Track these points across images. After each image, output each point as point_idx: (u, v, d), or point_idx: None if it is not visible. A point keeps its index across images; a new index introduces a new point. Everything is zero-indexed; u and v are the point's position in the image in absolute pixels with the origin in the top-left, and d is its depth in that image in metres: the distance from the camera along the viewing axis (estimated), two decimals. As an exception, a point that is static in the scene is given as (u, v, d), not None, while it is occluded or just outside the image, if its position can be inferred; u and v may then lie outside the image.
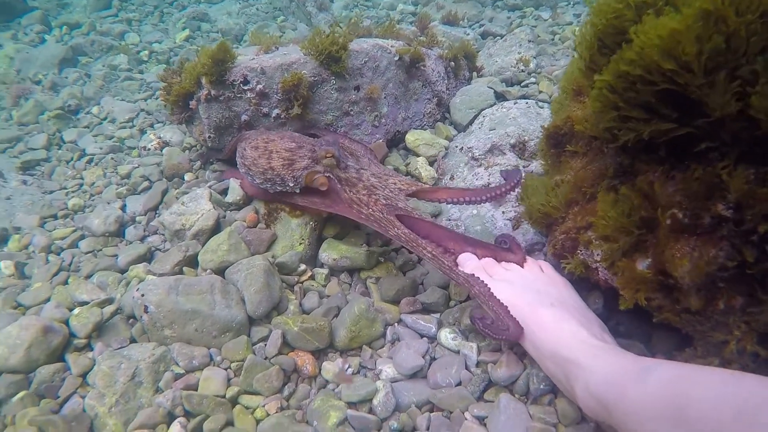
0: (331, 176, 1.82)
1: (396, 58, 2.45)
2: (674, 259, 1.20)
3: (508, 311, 1.33)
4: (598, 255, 1.40)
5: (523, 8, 4.76)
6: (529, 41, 3.15)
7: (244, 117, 2.22)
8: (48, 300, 1.82)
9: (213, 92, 2.14)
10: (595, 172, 1.45)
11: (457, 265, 1.55)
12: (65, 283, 1.95)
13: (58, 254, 2.17)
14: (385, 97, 2.44)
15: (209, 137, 2.26)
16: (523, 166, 2.29)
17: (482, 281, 1.41)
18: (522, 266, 1.56)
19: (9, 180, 2.77)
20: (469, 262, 1.59)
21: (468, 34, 3.82)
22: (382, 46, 2.42)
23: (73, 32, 5.38)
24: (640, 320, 1.52)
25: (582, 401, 1.11)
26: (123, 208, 2.41)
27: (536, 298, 1.35)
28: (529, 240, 2.00)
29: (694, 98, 1.05)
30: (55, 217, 2.46)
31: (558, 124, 1.61)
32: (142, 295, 1.56)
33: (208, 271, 1.76)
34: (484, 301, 1.39)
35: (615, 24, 1.26)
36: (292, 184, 1.86)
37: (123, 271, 1.96)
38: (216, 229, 1.94)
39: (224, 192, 2.15)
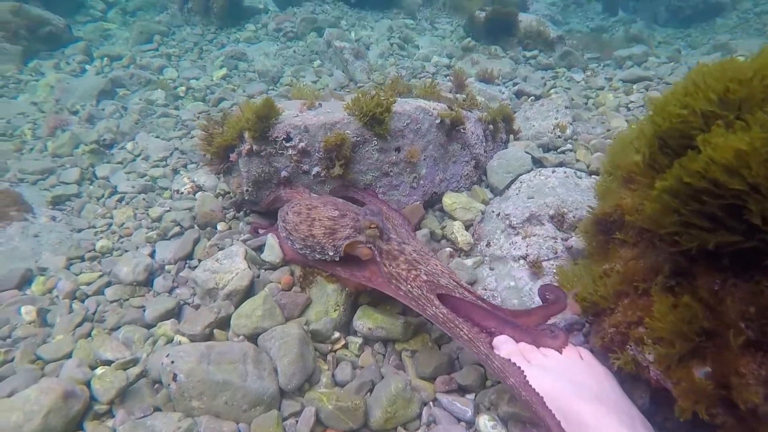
0: (373, 247, 1.78)
1: (437, 121, 2.44)
2: (739, 375, 1.15)
3: (558, 423, 1.22)
4: (650, 354, 1.34)
5: (555, 68, 4.80)
6: (566, 107, 3.14)
7: (284, 173, 2.21)
8: (70, 355, 1.77)
9: (255, 147, 2.13)
10: (647, 266, 1.40)
11: (492, 348, 1.47)
12: (89, 335, 1.89)
13: (83, 302, 2.12)
14: (424, 159, 2.42)
15: (247, 190, 2.24)
16: (562, 238, 2.23)
17: (518, 369, 1.32)
18: (561, 352, 1.48)
19: (38, 215, 2.76)
20: (504, 346, 1.48)
21: (503, 93, 3.84)
22: (424, 108, 2.41)
23: (113, 64, 5.51)
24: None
25: None
26: (152, 254, 2.38)
27: (574, 389, 1.28)
28: (569, 319, 1.91)
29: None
30: (82, 258, 2.42)
31: (608, 211, 1.56)
32: (172, 362, 1.50)
33: (241, 337, 1.70)
34: (518, 393, 1.30)
35: (680, 128, 1.23)
36: (331, 253, 1.82)
37: (150, 326, 1.91)
38: (250, 289, 1.89)
39: (259, 249, 2.11)
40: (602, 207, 1.58)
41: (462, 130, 2.55)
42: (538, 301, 1.99)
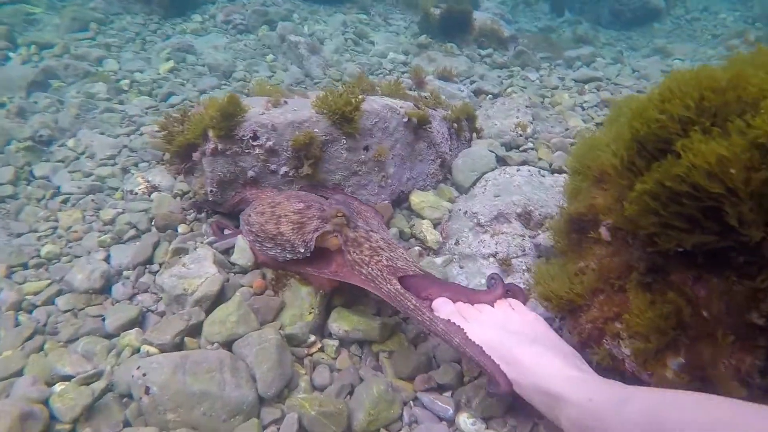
0: (340, 236, 1.76)
1: (405, 120, 2.43)
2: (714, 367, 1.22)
3: (497, 366, 1.33)
4: (626, 348, 1.42)
5: (510, 67, 4.91)
6: (527, 106, 3.22)
7: (250, 173, 2.13)
8: (21, 372, 1.63)
9: (220, 146, 2.05)
10: (622, 264, 1.46)
11: (432, 311, 1.55)
12: (41, 349, 1.75)
13: (31, 312, 1.95)
14: (392, 158, 2.41)
15: (211, 191, 2.15)
16: (530, 236, 2.28)
17: (458, 328, 1.42)
18: (493, 306, 1.58)
19: (-28, 219, 2.54)
20: (443, 308, 1.58)
21: (462, 91, 3.88)
22: (392, 107, 2.39)
23: (43, 53, 5.12)
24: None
25: (566, 430, 1.18)
26: (107, 259, 2.23)
27: (513, 337, 1.39)
28: (540, 314, 1.97)
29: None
30: (25, 266, 2.23)
31: (582, 211, 1.61)
32: (144, 374, 1.42)
33: (215, 344, 1.63)
34: (463, 351, 1.40)
35: (658, 133, 1.27)
36: (302, 250, 1.78)
37: (111, 337, 1.79)
38: (220, 294, 1.81)
39: (227, 252, 2.03)
40: (576, 206, 1.63)
41: (428, 129, 2.55)
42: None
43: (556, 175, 2.57)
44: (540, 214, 2.32)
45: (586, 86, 4.19)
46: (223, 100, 2.00)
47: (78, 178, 3.03)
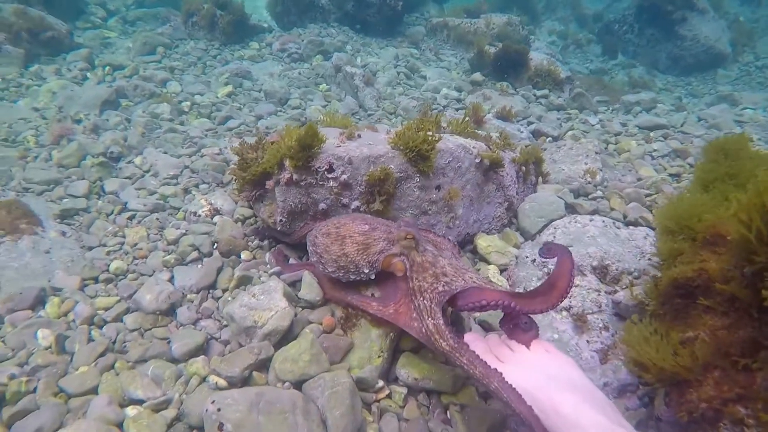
0: (406, 261, 1.69)
1: (477, 161, 2.38)
2: None
3: (536, 417, 1.23)
4: None
5: (567, 109, 4.84)
6: (596, 153, 3.13)
7: (322, 205, 2.11)
8: (95, 390, 1.62)
9: (295, 176, 2.04)
10: (745, 338, 1.33)
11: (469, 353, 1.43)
12: (112, 367, 1.74)
13: (101, 328, 1.96)
14: (462, 199, 2.35)
15: (281, 220, 2.13)
16: (606, 291, 2.17)
17: (498, 373, 1.32)
18: (528, 347, 1.46)
19: (47, 229, 2.59)
20: (475, 345, 1.47)
21: (521, 132, 3.83)
22: (465, 146, 2.35)
23: (115, 73, 5.35)
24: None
25: None
26: (171, 280, 2.24)
27: (551, 384, 1.30)
28: (622, 379, 1.85)
29: None
30: (96, 280, 2.26)
31: (690, 275, 1.49)
32: (219, 410, 1.37)
33: (287, 384, 1.58)
34: (500, 395, 1.31)
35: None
36: (367, 270, 1.74)
37: (177, 362, 1.77)
38: (290, 329, 1.77)
39: (294, 285, 2.00)
40: (682, 270, 1.51)
41: (499, 172, 2.49)
42: (586, 357, 1.93)
43: (631, 228, 2.46)
44: (617, 269, 2.21)
45: (652, 134, 4.06)
46: (301, 130, 1.99)
47: (143, 195, 3.09)
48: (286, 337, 1.75)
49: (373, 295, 1.84)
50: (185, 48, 6.36)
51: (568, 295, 1.48)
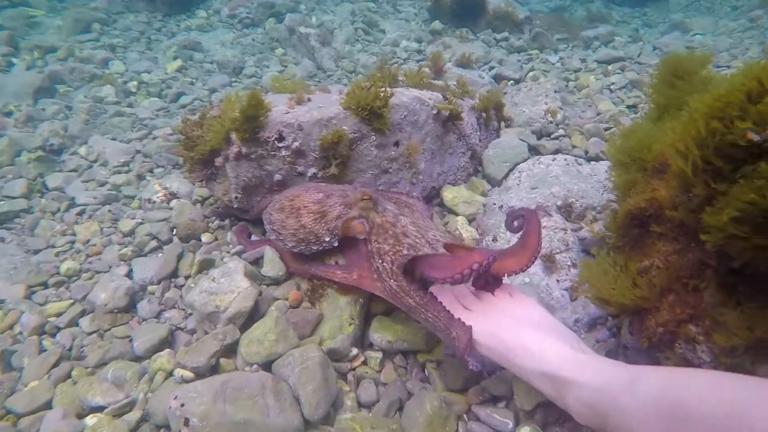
0: (365, 222, 1.63)
1: (434, 112, 2.29)
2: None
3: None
4: (703, 351, 1.29)
5: (528, 50, 4.73)
6: (555, 91, 3.06)
7: (277, 176, 2.01)
8: (50, 404, 1.53)
9: (244, 150, 1.92)
10: (694, 261, 1.32)
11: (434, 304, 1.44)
12: (69, 376, 1.64)
13: (54, 336, 1.85)
14: (422, 153, 2.27)
15: (236, 197, 2.03)
16: (572, 229, 2.14)
17: (464, 325, 1.36)
18: (493, 294, 1.52)
19: (-16, 237, 2.43)
20: (441, 295, 1.50)
21: (483, 78, 3.73)
22: (420, 99, 2.25)
23: (47, 57, 4.99)
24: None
25: (575, 412, 1.16)
26: (129, 273, 2.13)
27: (515, 324, 1.37)
28: (591, 314, 1.85)
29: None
30: (45, 285, 2.12)
31: (643, 205, 1.47)
32: (182, 405, 1.31)
33: (255, 366, 1.52)
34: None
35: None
36: (328, 239, 1.67)
37: (141, 359, 1.68)
38: (255, 309, 1.69)
39: (256, 263, 1.91)
40: (636, 200, 1.49)
41: (458, 122, 2.41)
42: (557, 296, 1.92)
43: (593, 163, 2.43)
44: (581, 206, 2.19)
45: (610, 67, 4.01)
46: (245, 99, 1.87)
47: (92, 187, 2.92)
48: (252, 317, 1.67)
49: (337, 263, 1.77)
50: (125, 22, 5.96)
51: (539, 254, 1.47)
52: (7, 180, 2.96)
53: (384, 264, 1.52)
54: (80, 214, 2.68)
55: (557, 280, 1.98)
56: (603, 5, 7.12)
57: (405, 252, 1.50)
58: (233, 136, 1.91)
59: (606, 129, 2.83)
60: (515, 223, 1.54)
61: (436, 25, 5.25)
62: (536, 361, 1.26)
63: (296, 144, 1.95)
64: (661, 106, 1.90)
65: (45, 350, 1.77)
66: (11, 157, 3.16)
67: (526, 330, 1.34)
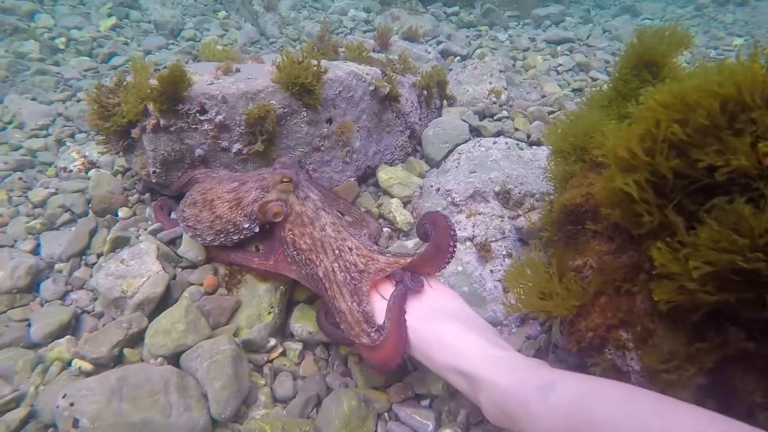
0: (285, 205, 1.55)
1: (371, 88, 2.20)
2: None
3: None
4: (632, 359, 1.25)
5: (478, 26, 4.66)
6: (500, 71, 3.01)
7: (198, 151, 1.88)
8: None
9: (163, 122, 1.78)
10: (628, 263, 1.29)
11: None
12: (-49, 363, 1.51)
13: (-59, 317, 1.70)
14: (357, 130, 2.18)
15: (154, 172, 1.89)
16: (509, 217, 2.12)
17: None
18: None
19: None
20: None
21: (429, 53, 3.64)
22: (357, 73, 2.15)
23: (-38, 4, 4.56)
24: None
25: (487, 411, 1.13)
26: (36, 249, 1.97)
27: (431, 314, 1.34)
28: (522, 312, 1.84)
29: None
30: (-64, 259, 1.96)
31: (578, 201, 1.43)
32: (71, 404, 1.20)
33: (160, 359, 1.42)
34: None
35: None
36: (247, 225, 1.58)
37: (38, 347, 1.55)
38: (166, 295, 1.59)
39: (173, 242, 1.80)
40: (571, 195, 1.45)
41: (397, 98, 2.33)
42: (489, 287, 1.89)
43: (534, 147, 2.41)
44: (520, 192, 2.16)
45: (559, 48, 4.00)
46: (165, 72, 1.71)
47: (5, 151, 2.69)
48: (162, 304, 1.57)
49: (257, 248, 1.68)
50: (55, -27, 5.51)
51: (454, 253, 1.44)
52: None
53: (299, 256, 1.45)
54: (-12, 181, 2.46)
55: (491, 271, 1.95)
56: (559, -17, 7.12)
57: (319, 275, 1.44)
58: (150, 106, 1.77)
59: (550, 113, 2.81)
60: (423, 231, 1.51)
61: (387, -7, 5.11)
62: (451, 356, 1.22)
63: (220, 117, 1.83)
64: (618, 93, 1.77)
65: (-72, 334, 1.61)
66: None
67: (443, 322, 1.30)
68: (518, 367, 1.14)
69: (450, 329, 1.28)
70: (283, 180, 1.54)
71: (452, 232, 1.42)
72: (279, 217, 1.53)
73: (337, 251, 1.47)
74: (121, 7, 4.77)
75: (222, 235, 1.61)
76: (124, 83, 1.93)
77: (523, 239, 2.05)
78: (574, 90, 3.19)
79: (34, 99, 3.23)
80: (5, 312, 1.68)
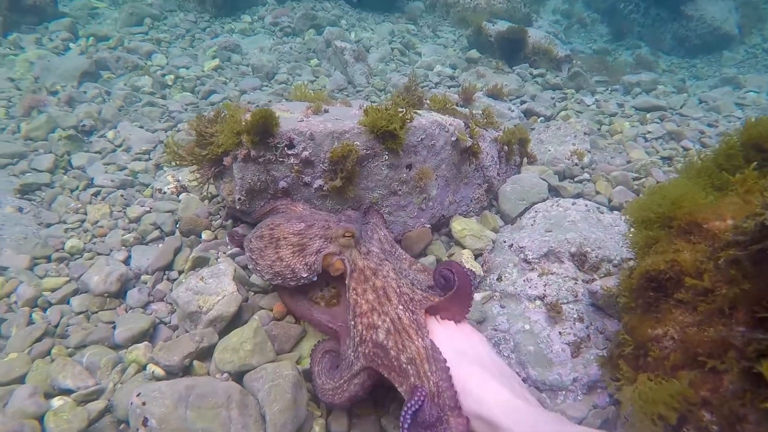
0: (347, 261, 1.56)
1: (453, 139, 2.24)
2: None
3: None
4: None
5: (564, 89, 4.66)
6: (585, 133, 2.97)
7: (282, 183, 1.98)
8: (23, 378, 1.52)
9: (253, 152, 1.90)
10: (716, 338, 1.20)
11: None
12: (48, 353, 1.64)
13: (45, 310, 1.86)
14: (436, 179, 2.22)
15: (239, 199, 2.01)
16: (583, 280, 2.04)
17: None
18: (439, 322, 1.47)
19: (3, 204, 2.47)
20: None
21: (512, 111, 3.67)
22: (441, 123, 2.21)
23: (99, 45, 5.18)
24: None
25: None
26: (127, 260, 2.13)
27: (456, 358, 1.31)
28: (592, 375, 1.74)
29: None
30: (48, 259, 2.16)
31: (662, 268, 1.36)
32: (144, 403, 1.27)
33: (225, 374, 1.47)
34: None
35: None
36: (305, 275, 1.59)
37: (119, 348, 1.66)
38: (237, 315, 1.65)
39: (248, 267, 1.88)
40: (655, 261, 1.38)
41: (478, 151, 2.35)
42: (557, 349, 1.82)
43: (616, 212, 2.32)
44: (597, 256, 2.08)
45: (648, 115, 3.89)
46: (258, 109, 1.84)
47: (112, 171, 2.97)
48: (233, 323, 1.64)
49: (323, 293, 1.70)
50: (174, 20, 6.16)
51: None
52: (38, 153, 3.06)
53: (357, 328, 1.46)
54: (95, 194, 2.72)
55: (560, 332, 1.87)
56: (650, 52, 7.01)
57: (379, 338, 1.41)
58: (243, 137, 1.90)
59: (635, 178, 2.71)
60: (441, 278, 1.54)
61: (473, 53, 5.24)
62: (473, 402, 1.22)
63: (306, 153, 1.93)
64: (717, 165, 1.71)
65: (33, 323, 1.78)
66: (46, 132, 3.26)
67: (467, 367, 1.29)
68: (539, 422, 1.14)
69: (473, 374, 1.27)
70: (346, 235, 1.57)
71: (471, 281, 1.45)
72: (338, 272, 1.57)
73: (398, 290, 1.49)
74: (224, 50, 5.22)
75: (279, 278, 1.63)
76: (222, 115, 2.10)
77: (597, 305, 1.95)
78: (663, 158, 3.07)
79: (141, 126, 3.56)
80: (96, 312, 1.83)
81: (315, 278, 1.60)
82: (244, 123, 1.88)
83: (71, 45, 5.09)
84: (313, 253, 1.60)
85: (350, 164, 1.94)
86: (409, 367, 1.29)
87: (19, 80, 4.15)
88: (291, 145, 1.93)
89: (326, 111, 2.14)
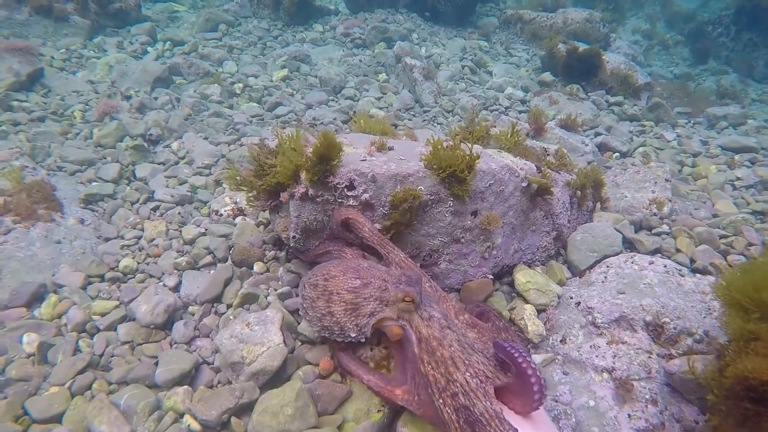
0: (409, 327, 1.45)
1: (524, 184, 2.08)
2: None
3: None
4: None
5: (642, 120, 4.34)
6: (666, 180, 2.71)
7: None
8: (60, 418, 1.50)
9: (311, 191, 1.82)
10: None
11: None
12: (89, 388, 1.62)
13: (92, 337, 1.86)
14: (502, 226, 2.06)
15: (293, 237, 1.94)
16: (659, 354, 1.83)
17: None
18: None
19: (67, 216, 2.51)
20: None
21: (586, 145, 3.43)
22: (511, 168, 2.05)
23: (175, 49, 5.32)
24: None
25: None
26: (178, 285, 2.11)
27: None
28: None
29: None
30: (102, 278, 2.17)
31: (766, 378, 1.16)
32: (176, 470, 1.20)
33: (263, 440, 1.39)
34: None
35: None
36: (353, 335, 1.50)
37: (159, 389, 1.62)
38: (281, 369, 1.57)
39: (298, 312, 1.80)
40: (757, 366, 1.18)
41: (548, 198, 2.18)
42: (627, 437, 1.63)
43: (698, 276, 2.08)
44: (675, 328, 1.86)
45: (737, 157, 3.52)
46: (318, 142, 1.76)
47: (173, 184, 2.99)
48: (277, 377, 1.56)
49: (372, 354, 1.61)
50: (248, 27, 6.28)
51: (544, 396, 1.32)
52: (105, 162, 3.12)
53: (441, 404, 1.37)
54: (154, 209, 2.74)
55: (629, 415, 1.68)
56: (738, 79, 6.49)
57: (462, 401, 1.34)
58: (302, 174, 1.82)
59: (721, 237, 2.42)
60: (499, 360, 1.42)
61: (546, 76, 5.01)
62: None
63: (366, 196, 1.83)
64: None
65: (79, 351, 1.77)
66: (115, 140, 3.34)
67: None
68: None
69: None
70: (405, 300, 1.46)
71: (536, 380, 1.29)
72: (396, 338, 1.47)
73: (467, 362, 1.37)
74: (294, 60, 5.23)
75: (327, 332, 1.56)
76: (285, 144, 2.03)
77: (674, 386, 1.74)
78: (755, 212, 2.73)
79: (206, 138, 3.59)
80: (141, 345, 1.80)
81: (363, 340, 1.50)
82: (304, 159, 1.80)
83: (149, 49, 5.27)
84: (366, 315, 1.51)
85: (407, 211, 1.83)
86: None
87: (98, 83, 4.31)
88: (351, 186, 1.83)
89: (391, 148, 2.04)
